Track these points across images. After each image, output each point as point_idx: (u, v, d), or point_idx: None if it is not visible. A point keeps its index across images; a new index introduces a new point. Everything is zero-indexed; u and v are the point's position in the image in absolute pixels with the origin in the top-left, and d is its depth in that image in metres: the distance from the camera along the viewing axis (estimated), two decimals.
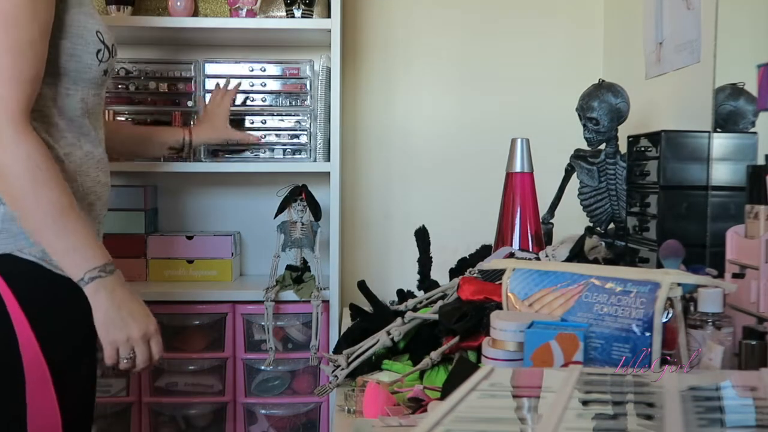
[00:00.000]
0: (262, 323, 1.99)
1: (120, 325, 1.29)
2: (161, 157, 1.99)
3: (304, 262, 2.10)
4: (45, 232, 1.24)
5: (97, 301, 1.28)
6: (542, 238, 1.65)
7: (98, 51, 1.32)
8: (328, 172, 2.04)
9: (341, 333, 1.57)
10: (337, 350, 1.43)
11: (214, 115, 1.98)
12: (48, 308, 1.27)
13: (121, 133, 1.85)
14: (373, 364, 1.35)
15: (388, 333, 1.35)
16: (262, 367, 2.02)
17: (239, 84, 2.06)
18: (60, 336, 1.27)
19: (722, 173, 1.47)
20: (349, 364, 1.33)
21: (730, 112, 1.51)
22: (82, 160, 1.33)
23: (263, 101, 2.11)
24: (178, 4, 2.08)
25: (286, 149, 2.10)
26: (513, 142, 1.63)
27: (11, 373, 1.22)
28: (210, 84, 2.09)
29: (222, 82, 2.05)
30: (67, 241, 1.25)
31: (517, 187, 1.61)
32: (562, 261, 1.40)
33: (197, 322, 2.03)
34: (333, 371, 1.35)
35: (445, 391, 1.10)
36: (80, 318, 1.31)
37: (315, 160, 2.08)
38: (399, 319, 1.38)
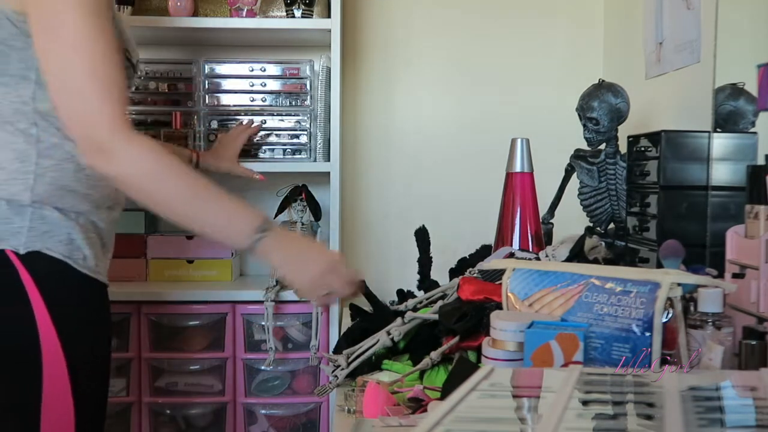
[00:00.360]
0: (262, 323, 1.99)
1: (302, 271, 1.34)
2: None
3: None
4: (196, 219, 1.28)
5: (272, 260, 1.32)
6: (542, 238, 1.65)
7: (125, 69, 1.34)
8: (328, 172, 2.04)
9: (341, 333, 1.57)
10: (337, 350, 1.43)
11: (226, 147, 2.01)
12: (70, 306, 1.28)
13: None
14: (373, 364, 1.35)
15: (388, 333, 1.35)
16: (262, 367, 2.02)
17: (261, 125, 2.07)
18: (79, 333, 1.28)
19: (722, 173, 1.47)
20: (349, 364, 1.33)
21: (730, 112, 1.51)
22: None
23: (263, 101, 2.11)
24: (178, 4, 2.08)
25: (286, 149, 2.10)
26: (513, 142, 1.63)
27: (30, 367, 1.23)
28: (209, 84, 2.10)
29: (246, 120, 2.07)
30: (218, 220, 1.30)
31: (517, 187, 1.61)
32: (562, 261, 1.40)
33: (197, 322, 2.03)
34: (333, 371, 1.35)
35: (445, 391, 1.10)
36: (100, 316, 1.34)
37: (315, 160, 2.08)
38: (399, 319, 1.38)
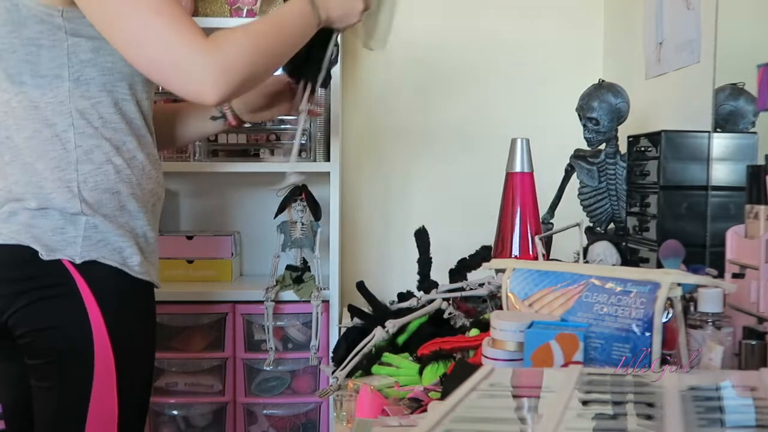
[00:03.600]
0: (262, 323, 1.99)
1: (349, 7, 1.40)
2: (194, 138, 1.78)
3: (304, 262, 2.10)
4: (286, 48, 1.34)
5: (332, 14, 1.38)
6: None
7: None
8: (328, 172, 2.04)
9: (341, 333, 1.57)
10: (337, 350, 1.43)
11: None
12: (122, 308, 1.29)
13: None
14: (373, 358, 1.35)
15: (383, 327, 1.36)
16: (263, 367, 2.02)
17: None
18: (129, 334, 1.30)
19: (722, 173, 1.47)
20: (343, 367, 1.33)
21: (730, 112, 1.51)
22: (143, 164, 1.33)
23: None
24: None
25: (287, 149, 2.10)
26: (513, 142, 1.63)
27: (83, 369, 1.25)
28: None
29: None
30: (292, 33, 1.33)
31: (517, 187, 1.61)
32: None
33: (197, 322, 2.03)
34: (333, 372, 1.36)
35: (445, 391, 1.10)
36: (147, 316, 1.36)
37: (315, 160, 2.08)
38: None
